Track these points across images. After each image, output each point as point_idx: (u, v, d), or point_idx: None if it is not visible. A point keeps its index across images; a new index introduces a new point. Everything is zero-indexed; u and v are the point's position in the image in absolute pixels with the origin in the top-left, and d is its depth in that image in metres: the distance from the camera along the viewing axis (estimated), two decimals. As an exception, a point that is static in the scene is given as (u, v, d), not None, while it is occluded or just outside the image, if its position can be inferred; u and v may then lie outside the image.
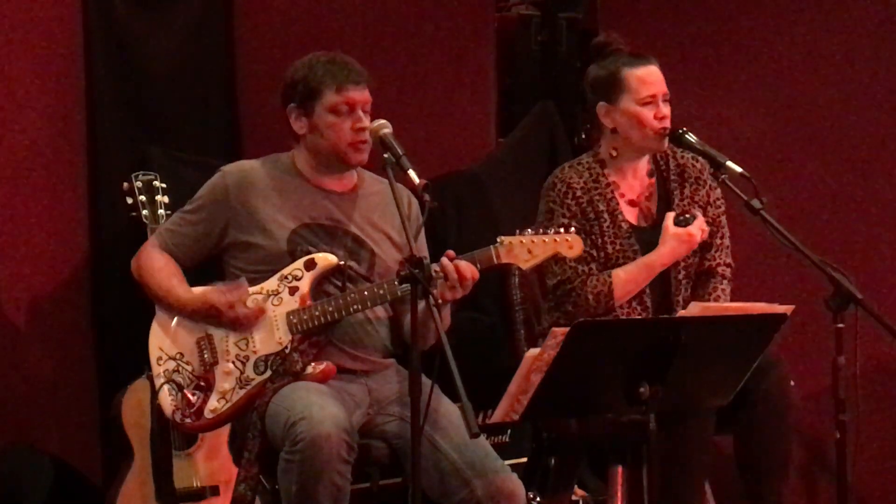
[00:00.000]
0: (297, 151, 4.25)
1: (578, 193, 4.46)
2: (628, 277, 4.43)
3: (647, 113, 4.43)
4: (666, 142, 4.48)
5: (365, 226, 4.22)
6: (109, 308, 5.29)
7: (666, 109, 4.44)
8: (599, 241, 4.46)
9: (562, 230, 4.12)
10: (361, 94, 4.15)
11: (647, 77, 4.45)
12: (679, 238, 4.41)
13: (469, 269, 3.97)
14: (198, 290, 4.16)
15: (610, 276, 4.42)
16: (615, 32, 4.58)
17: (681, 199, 4.55)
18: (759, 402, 4.32)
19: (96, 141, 5.33)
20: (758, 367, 4.18)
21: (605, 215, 4.47)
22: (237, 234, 4.16)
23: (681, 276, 4.51)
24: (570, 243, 4.11)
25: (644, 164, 4.56)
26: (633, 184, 4.55)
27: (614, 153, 4.50)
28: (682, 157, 4.58)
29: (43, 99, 5.23)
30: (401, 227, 4.02)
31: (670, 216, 4.43)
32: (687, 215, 4.43)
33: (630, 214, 4.52)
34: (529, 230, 4.12)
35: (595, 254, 4.45)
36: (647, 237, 4.48)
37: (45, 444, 5.17)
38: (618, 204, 4.50)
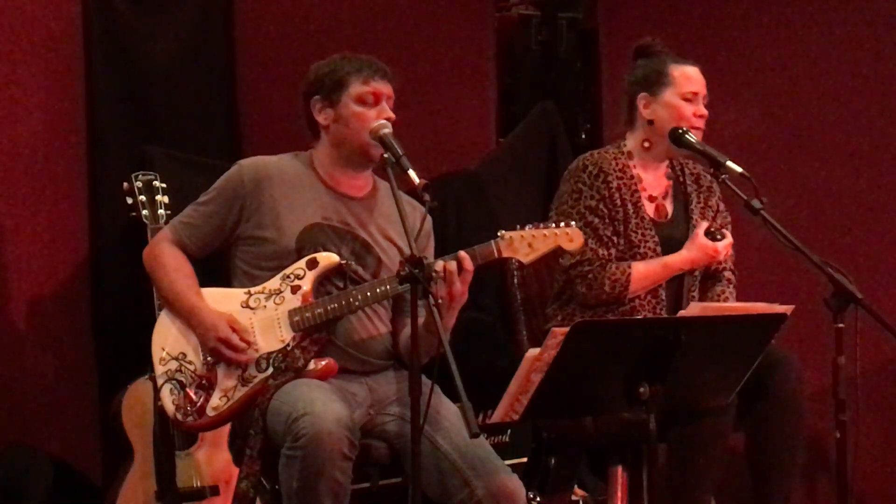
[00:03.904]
0: (315, 150, 4.24)
1: (610, 178, 4.50)
2: (646, 273, 4.47)
3: (687, 108, 4.50)
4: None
5: (375, 233, 4.21)
6: (109, 308, 5.30)
7: (704, 110, 4.52)
8: (622, 228, 4.49)
9: (562, 224, 4.12)
10: (386, 88, 4.17)
11: (693, 74, 4.54)
12: (705, 249, 4.48)
13: (466, 259, 3.97)
14: (213, 299, 4.14)
15: (630, 267, 4.45)
16: (658, 37, 4.65)
17: (697, 202, 4.60)
18: (774, 397, 4.34)
19: (96, 141, 5.33)
20: (772, 362, 4.21)
21: (630, 205, 4.51)
22: (248, 228, 4.15)
23: (696, 274, 4.57)
24: (570, 236, 4.12)
25: (664, 166, 4.63)
26: (654, 181, 4.60)
27: (647, 144, 4.56)
28: (695, 167, 4.66)
29: (43, 99, 5.23)
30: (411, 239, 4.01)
31: (703, 224, 4.52)
32: (718, 231, 4.51)
33: (649, 209, 4.56)
34: (529, 224, 4.12)
35: (616, 240, 4.49)
36: (665, 232, 4.53)
37: (45, 444, 5.16)
38: (640, 196, 4.54)
